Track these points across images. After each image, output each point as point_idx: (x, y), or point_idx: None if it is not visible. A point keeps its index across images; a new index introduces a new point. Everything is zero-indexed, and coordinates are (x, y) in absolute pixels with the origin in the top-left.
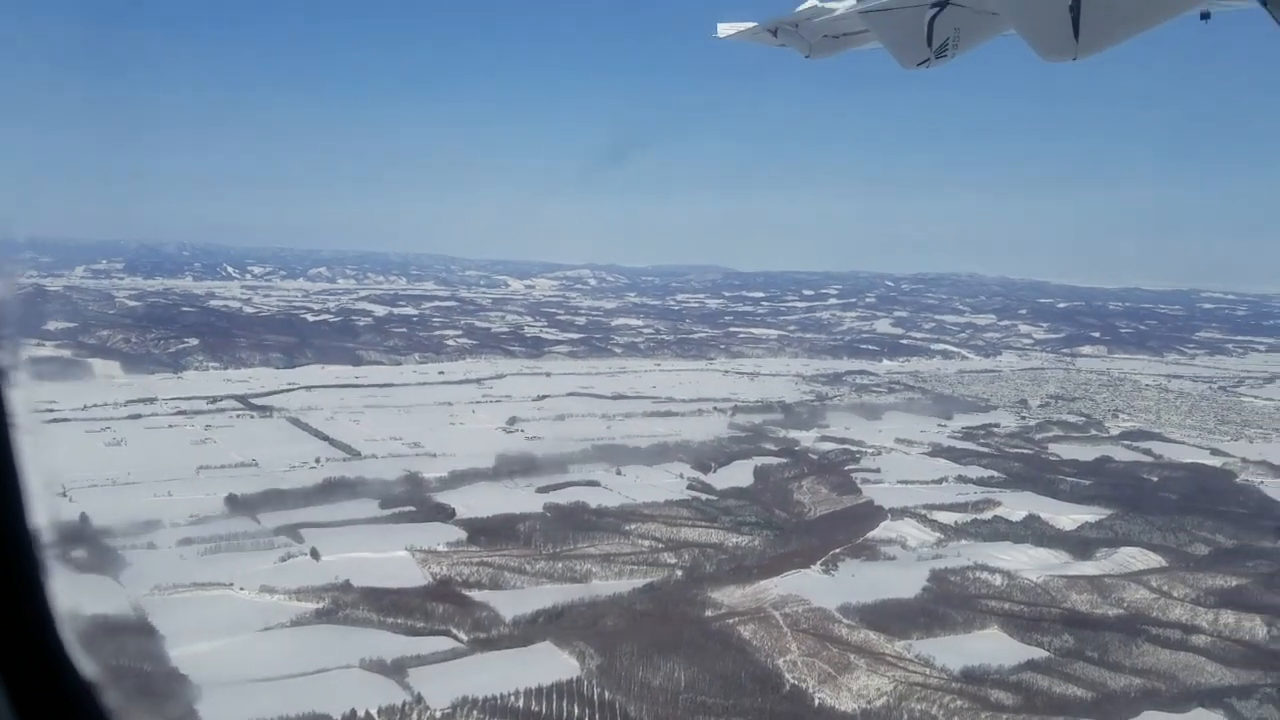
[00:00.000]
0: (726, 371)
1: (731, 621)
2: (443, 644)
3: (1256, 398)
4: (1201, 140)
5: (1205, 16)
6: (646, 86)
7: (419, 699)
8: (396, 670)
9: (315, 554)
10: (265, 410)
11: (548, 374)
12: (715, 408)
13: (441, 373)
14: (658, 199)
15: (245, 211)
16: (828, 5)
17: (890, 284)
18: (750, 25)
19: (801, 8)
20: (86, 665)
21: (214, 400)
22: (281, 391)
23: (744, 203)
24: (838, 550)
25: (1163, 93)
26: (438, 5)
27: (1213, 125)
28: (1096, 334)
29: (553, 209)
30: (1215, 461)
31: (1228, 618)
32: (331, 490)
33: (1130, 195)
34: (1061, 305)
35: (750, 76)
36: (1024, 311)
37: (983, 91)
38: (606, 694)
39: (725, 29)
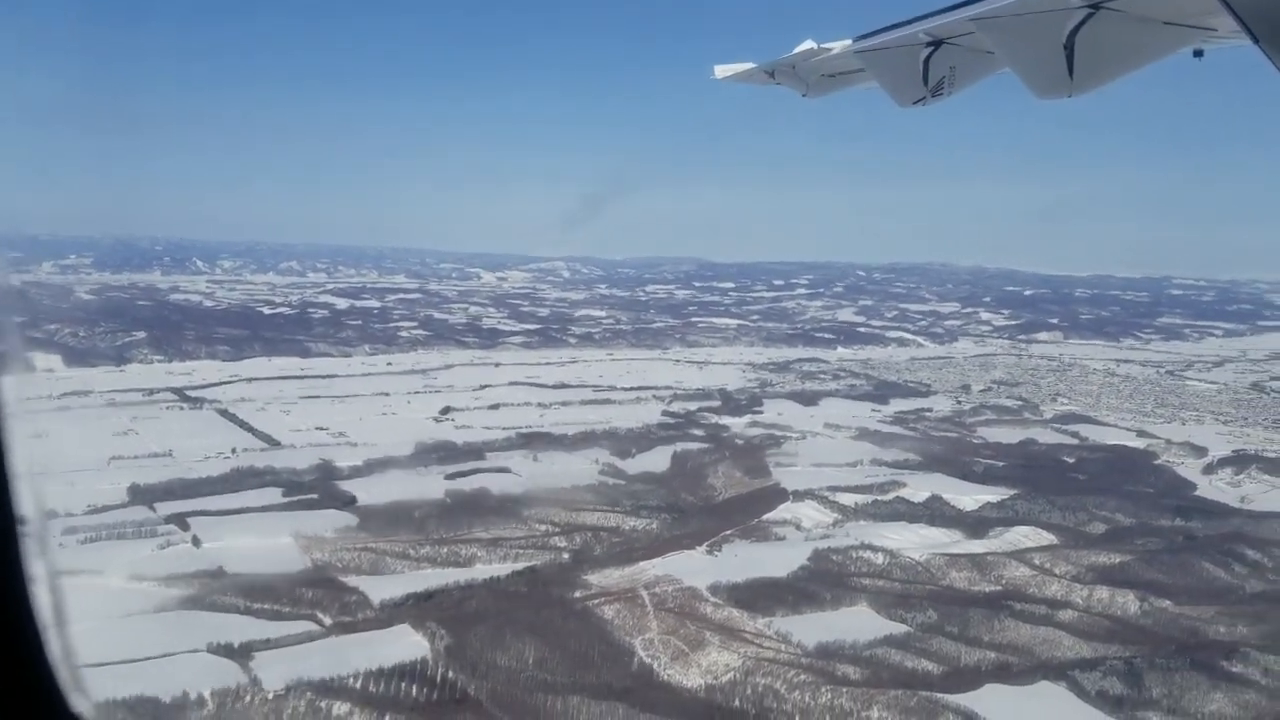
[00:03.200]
0: (678, 360)
1: (598, 602)
2: (301, 628)
3: (1201, 381)
4: (1178, 128)
5: (1198, 54)
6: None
7: (255, 681)
8: (243, 654)
9: (196, 541)
10: (197, 402)
11: (497, 364)
12: (654, 396)
13: (389, 364)
14: (638, 192)
15: (222, 206)
16: (824, 46)
17: (862, 274)
18: (747, 67)
19: (798, 49)
20: (59, 661)
21: (149, 393)
22: (221, 384)
23: (723, 195)
24: (729, 532)
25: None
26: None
27: (1192, 113)
28: (1055, 320)
29: (532, 202)
30: (1140, 443)
31: (1102, 593)
32: (238, 480)
33: (1107, 182)
34: (1028, 293)
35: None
36: (988, 299)
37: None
38: (450, 673)
39: (722, 71)
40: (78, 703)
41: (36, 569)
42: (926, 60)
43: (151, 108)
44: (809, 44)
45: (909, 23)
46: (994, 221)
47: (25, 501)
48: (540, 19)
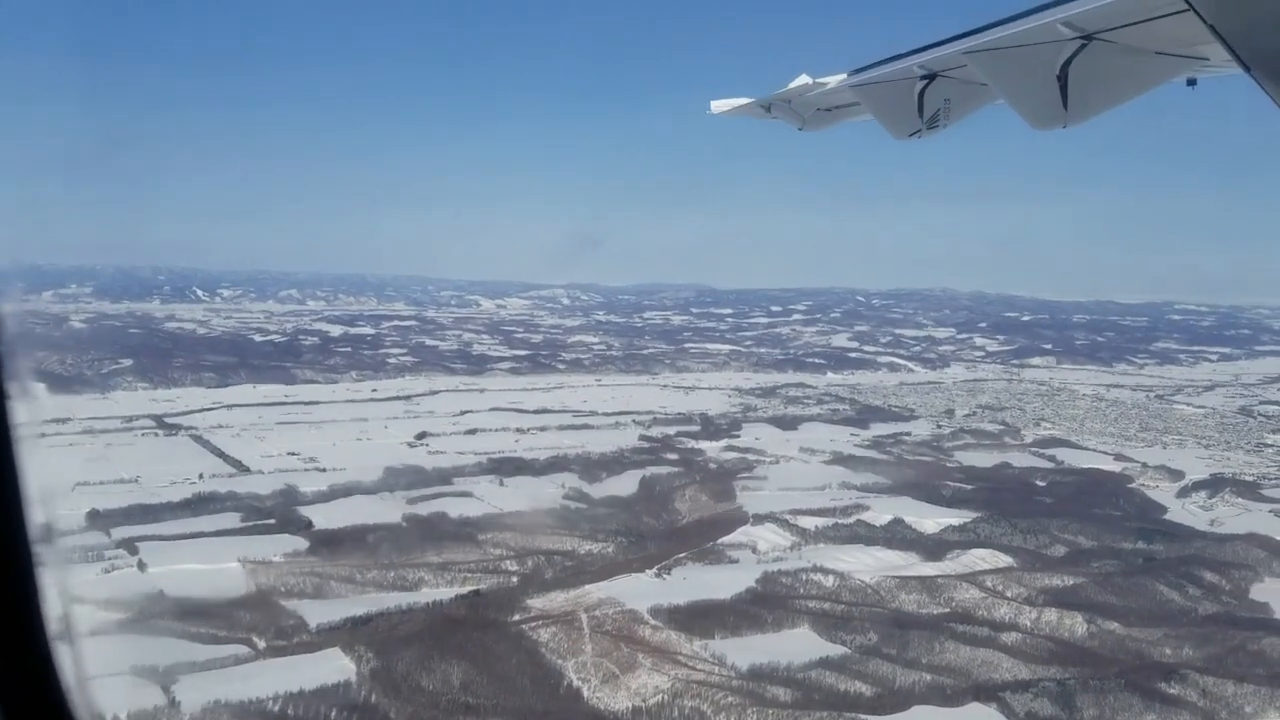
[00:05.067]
0: (665, 386)
1: (535, 625)
2: (232, 651)
3: (1188, 405)
4: (1181, 154)
5: (1192, 83)
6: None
7: (173, 703)
8: (166, 676)
9: (142, 566)
10: (174, 429)
11: (482, 390)
12: (634, 420)
13: (374, 390)
14: (639, 221)
15: (227, 236)
16: (819, 80)
17: (861, 299)
18: (743, 101)
19: (793, 84)
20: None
21: (129, 420)
22: (202, 411)
23: (724, 223)
24: (682, 555)
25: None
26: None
27: (1193, 140)
28: (1049, 346)
29: (536, 231)
30: (1116, 467)
31: (1050, 616)
32: (199, 505)
33: (1112, 208)
34: (1026, 318)
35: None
36: (984, 325)
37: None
38: (371, 696)
39: (719, 105)
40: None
41: (47, 585)
42: (921, 93)
43: (154, 139)
44: (804, 78)
45: (903, 56)
46: (997, 247)
47: (37, 519)
48: (542, 54)
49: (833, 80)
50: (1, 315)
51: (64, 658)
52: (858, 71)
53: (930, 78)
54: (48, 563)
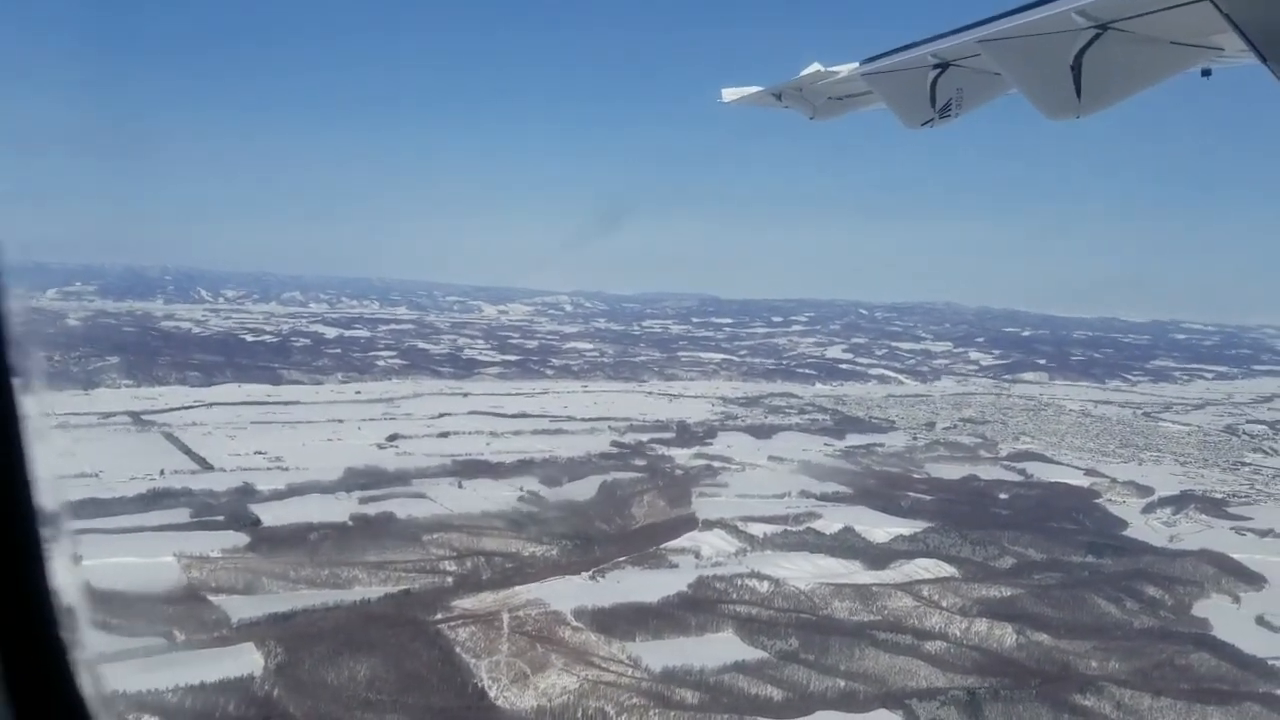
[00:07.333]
0: (650, 393)
1: (455, 624)
2: (148, 643)
3: (1174, 423)
4: (1197, 161)
5: (1206, 74)
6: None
7: None
8: None
9: (77, 559)
10: (148, 426)
11: (465, 394)
12: (610, 426)
13: (358, 392)
14: (644, 222)
15: (236, 238)
16: (831, 69)
17: (863, 312)
18: (754, 90)
19: (805, 72)
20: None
21: (105, 416)
22: (181, 409)
23: (731, 232)
24: (623, 559)
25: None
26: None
27: (1205, 155)
28: (1044, 361)
29: (541, 236)
30: (1085, 482)
31: (980, 626)
32: (152, 500)
33: (1122, 225)
34: (1026, 334)
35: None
36: (982, 339)
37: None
38: (275, 691)
39: (729, 94)
40: (95, 705)
41: (56, 572)
42: (934, 82)
43: (167, 139)
44: (816, 67)
45: (915, 45)
46: (1005, 263)
47: (45, 505)
48: (549, 48)
49: (845, 69)
50: (8, 310)
51: (71, 642)
52: (870, 60)
53: (943, 67)
54: (54, 550)
